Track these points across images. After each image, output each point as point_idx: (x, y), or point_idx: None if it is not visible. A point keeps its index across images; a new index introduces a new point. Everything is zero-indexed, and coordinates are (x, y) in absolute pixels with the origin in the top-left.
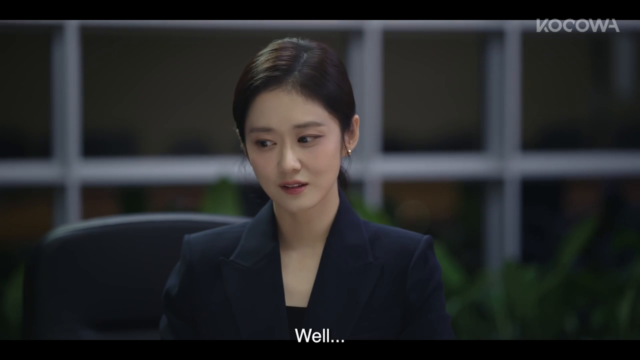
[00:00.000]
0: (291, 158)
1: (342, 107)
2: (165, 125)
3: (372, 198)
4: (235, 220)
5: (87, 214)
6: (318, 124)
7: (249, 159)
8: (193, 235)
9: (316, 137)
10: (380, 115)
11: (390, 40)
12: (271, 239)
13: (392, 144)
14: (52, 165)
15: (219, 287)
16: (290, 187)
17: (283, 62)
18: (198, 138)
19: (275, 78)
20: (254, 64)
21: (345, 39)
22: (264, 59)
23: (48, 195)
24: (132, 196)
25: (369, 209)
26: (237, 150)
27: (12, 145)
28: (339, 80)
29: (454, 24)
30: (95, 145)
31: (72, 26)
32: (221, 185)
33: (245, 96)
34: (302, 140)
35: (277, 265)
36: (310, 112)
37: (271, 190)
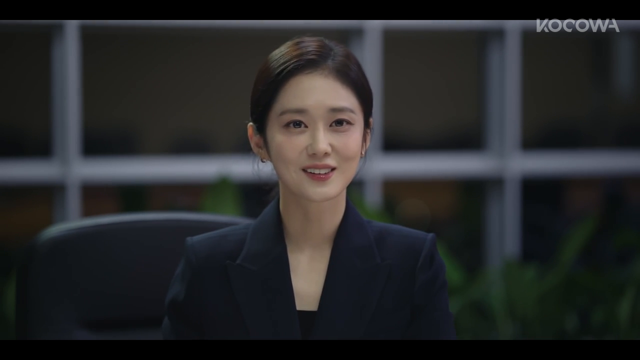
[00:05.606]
0: (324, 140)
1: (368, 101)
2: (166, 124)
3: (373, 197)
4: (232, 219)
5: (87, 213)
6: (351, 111)
7: (267, 149)
8: (195, 238)
9: (347, 123)
10: (380, 114)
11: (390, 39)
12: (278, 242)
13: (393, 143)
14: (52, 164)
15: (227, 292)
16: (317, 174)
17: (316, 50)
18: (198, 137)
19: (312, 61)
20: (280, 53)
21: (345, 39)
22: (292, 48)
23: (48, 194)
24: (132, 195)
25: (369, 208)
26: (237, 149)
27: (12, 144)
28: (363, 75)
29: (454, 23)
30: (96, 144)
31: (72, 26)
32: (221, 184)
33: (277, 79)
34: (335, 124)
35: (286, 268)
36: (345, 97)
37: (292, 175)
